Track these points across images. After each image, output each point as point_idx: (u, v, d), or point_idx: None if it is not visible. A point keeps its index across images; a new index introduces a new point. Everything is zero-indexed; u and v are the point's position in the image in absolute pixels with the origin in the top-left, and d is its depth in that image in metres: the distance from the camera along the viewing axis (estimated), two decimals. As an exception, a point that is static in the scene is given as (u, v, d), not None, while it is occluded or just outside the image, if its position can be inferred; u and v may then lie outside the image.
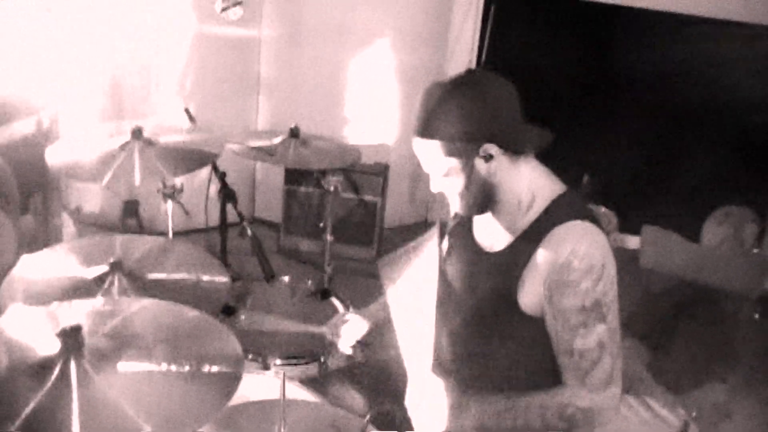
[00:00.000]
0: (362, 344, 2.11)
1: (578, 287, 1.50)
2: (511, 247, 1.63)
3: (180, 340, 1.31)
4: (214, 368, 1.23)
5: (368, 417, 1.52)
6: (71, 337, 1.21)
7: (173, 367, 1.23)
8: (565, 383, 1.59)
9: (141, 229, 3.40)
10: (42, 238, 3.04)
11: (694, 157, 4.17)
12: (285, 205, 4.26)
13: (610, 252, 1.56)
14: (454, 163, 1.59)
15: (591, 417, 1.57)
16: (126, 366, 1.23)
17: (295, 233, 4.28)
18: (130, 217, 3.40)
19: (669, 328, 2.73)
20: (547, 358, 1.61)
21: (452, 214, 1.81)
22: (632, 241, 3.64)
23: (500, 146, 1.57)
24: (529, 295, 1.59)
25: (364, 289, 2.19)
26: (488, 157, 1.57)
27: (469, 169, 1.60)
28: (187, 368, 1.22)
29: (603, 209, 3.38)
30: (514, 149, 1.60)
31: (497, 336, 1.70)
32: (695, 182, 4.10)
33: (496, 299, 1.65)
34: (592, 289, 1.50)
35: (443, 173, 1.62)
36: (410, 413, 1.66)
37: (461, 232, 1.83)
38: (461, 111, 1.54)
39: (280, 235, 4.34)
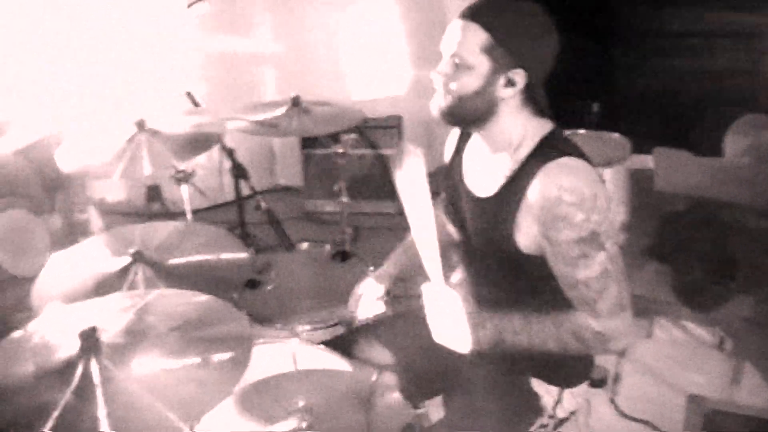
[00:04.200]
0: (389, 297, 2.12)
1: (572, 220, 1.51)
2: (501, 192, 1.65)
3: (191, 325, 1.37)
4: (224, 352, 1.29)
5: (376, 376, 1.56)
6: (88, 338, 1.26)
7: (186, 354, 1.29)
8: None
9: (166, 212, 3.49)
10: (70, 234, 3.14)
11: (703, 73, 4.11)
12: (304, 169, 4.31)
13: (600, 183, 1.57)
14: (483, 62, 1.55)
15: (604, 341, 1.59)
16: (141, 359, 1.29)
17: (318, 196, 4.32)
18: (154, 201, 3.49)
19: (689, 249, 2.73)
20: (558, 295, 1.62)
21: (432, 106, 1.68)
22: (649, 162, 3.63)
23: (527, 82, 1.57)
24: (527, 236, 1.61)
25: (390, 244, 2.18)
26: (509, 83, 1.57)
27: (488, 79, 1.56)
28: (198, 354, 1.29)
29: (616, 135, 3.37)
30: (531, 95, 1.61)
31: (507, 279, 1.73)
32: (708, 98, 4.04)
33: (496, 244, 1.67)
34: (586, 220, 1.51)
35: (464, 64, 1.56)
36: (430, 322, 1.66)
37: (453, 179, 1.83)
38: (530, 23, 1.55)
39: (303, 199, 4.40)
